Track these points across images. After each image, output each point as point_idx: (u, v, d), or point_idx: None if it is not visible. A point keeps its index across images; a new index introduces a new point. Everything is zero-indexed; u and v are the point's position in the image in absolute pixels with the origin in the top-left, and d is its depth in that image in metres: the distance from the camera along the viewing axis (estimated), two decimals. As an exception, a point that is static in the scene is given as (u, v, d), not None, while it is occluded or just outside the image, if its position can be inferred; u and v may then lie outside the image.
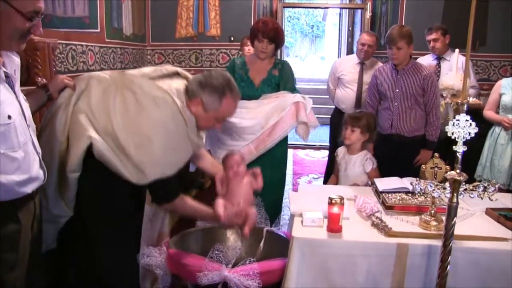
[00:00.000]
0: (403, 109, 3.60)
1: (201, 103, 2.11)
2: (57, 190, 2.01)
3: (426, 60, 4.41)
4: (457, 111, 3.76)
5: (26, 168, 1.59)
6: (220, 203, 2.28)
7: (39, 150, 1.71)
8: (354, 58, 4.55)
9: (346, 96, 4.36)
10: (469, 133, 1.75)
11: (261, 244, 2.51)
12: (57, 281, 2.11)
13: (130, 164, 1.93)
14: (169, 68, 2.26)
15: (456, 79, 3.84)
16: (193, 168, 4.67)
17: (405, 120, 3.61)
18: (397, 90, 3.60)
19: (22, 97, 1.67)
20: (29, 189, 1.61)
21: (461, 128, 1.76)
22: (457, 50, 3.97)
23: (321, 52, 19.41)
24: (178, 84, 2.15)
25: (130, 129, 1.94)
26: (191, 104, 2.11)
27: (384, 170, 3.05)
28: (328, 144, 4.96)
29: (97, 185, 2.02)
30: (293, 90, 3.38)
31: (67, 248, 2.09)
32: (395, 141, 3.63)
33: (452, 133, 1.78)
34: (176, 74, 2.25)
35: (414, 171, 2.84)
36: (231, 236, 2.60)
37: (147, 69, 2.22)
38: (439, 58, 4.41)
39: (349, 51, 4.95)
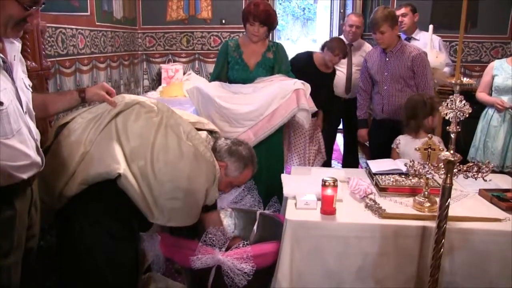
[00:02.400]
0: (392, 93, 3.51)
1: (225, 167, 2.23)
2: (60, 187, 1.97)
3: None
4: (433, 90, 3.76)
5: (21, 155, 1.56)
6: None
7: (37, 136, 1.68)
8: None
9: (337, 79, 4.30)
10: (463, 113, 1.75)
11: (255, 227, 2.52)
12: (55, 271, 2.10)
13: (154, 205, 1.95)
14: (211, 125, 2.38)
15: (431, 56, 3.77)
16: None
17: (395, 103, 3.51)
18: (386, 73, 3.52)
19: (23, 82, 1.64)
20: (25, 175, 1.59)
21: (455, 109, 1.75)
22: (431, 27, 3.89)
23: (312, 34, 19.29)
24: (204, 136, 2.23)
25: (163, 173, 1.95)
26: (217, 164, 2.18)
27: (380, 155, 3.02)
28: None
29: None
30: (288, 72, 3.36)
31: (64, 241, 2.06)
32: (388, 126, 3.53)
33: (446, 114, 1.77)
34: (214, 133, 2.36)
35: None
36: (224, 220, 2.59)
37: (193, 117, 2.31)
38: (409, 39, 4.33)
39: (341, 34, 4.91)
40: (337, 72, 4.24)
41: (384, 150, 3.22)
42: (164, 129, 2.01)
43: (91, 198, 1.95)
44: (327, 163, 4.32)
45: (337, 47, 3.83)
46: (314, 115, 3.86)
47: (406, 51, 3.45)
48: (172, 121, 2.06)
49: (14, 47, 1.62)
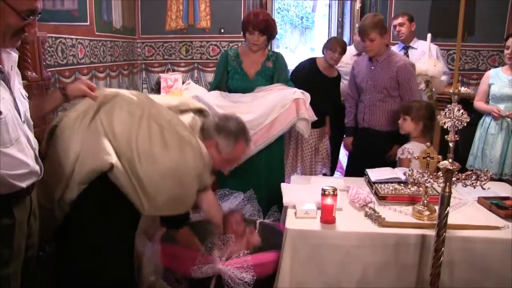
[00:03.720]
0: (373, 102, 3.45)
1: (215, 146, 2.20)
2: (60, 192, 1.98)
3: None
4: (431, 98, 3.77)
5: (20, 163, 1.57)
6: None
7: (36, 145, 1.69)
8: (351, 50, 4.53)
9: (344, 88, 4.30)
10: (461, 122, 1.76)
11: (255, 236, 2.52)
12: (54, 277, 2.10)
13: (144, 196, 1.93)
14: (196, 104, 2.34)
15: (429, 64, 3.76)
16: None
17: (375, 113, 3.45)
18: (369, 82, 3.46)
19: (19, 92, 1.66)
20: (24, 183, 1.59)
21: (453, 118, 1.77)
22: (429, 36, 3.88)
23: (311, 43, 19.35)
24: (189, 119, 2.19)
25: (150, 164, 1.93)
26: (206, 144, 2.15)
27: (360, 164, 3.00)
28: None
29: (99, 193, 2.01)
30: (287, 82, 3.38)
31: (64, 244, 2.07)
32: (368, 135, 3.51)
33: (444, 123, 1.78)
34: (199, 112, 2.32)
35: (390, 166, 2.84)
36: (225, 229, 2.59)
37: (175, 101, 2.27)
38: (407, 48, 4.33)
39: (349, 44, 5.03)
40: (345, 81, 4.27)
41: (364, 158, 3.19)
42: (147, 120, 1.99)
43: (87, 200, 1.96)
44: (331, 171, 4.34)
45: (334, 43, 3.89)
46: (322, 123, 3.88)
47: (392, 61, 3.38)
48: (154, 111, 2.04)
49: (11, 58, 1.63)
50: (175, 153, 1.97)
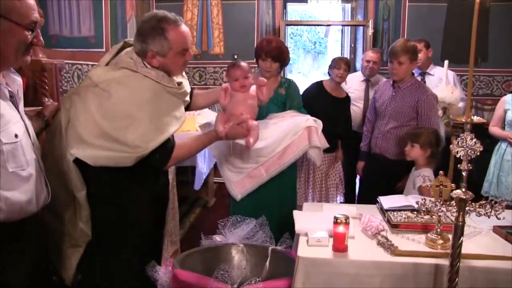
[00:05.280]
0: (389, 129, 3.41)
1: (153, 54, 2.06)
2: (73, 211, 2.01)
3: None
4: (448, 125, 3.75)
5: (34, 187, 1.60)
6: (219, 119, 2.30)
7: (43, 167, 1.72)
8: (359, 76, 4.56)
9: (353, 114, 4.30)
10: (474, 151, 1.75)
11: (267, 264, 2.50)
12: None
13: (127, 147, 1.94)
14: (117, 45, 2.24)
15: (447, 91, 3.71)
16: (198, 187, 4.68)
17: (389, 140, 3.41)
18: (388, 108, 3.42)
19: (25, 116, 1.69)
20: (35, 207, 1.62)
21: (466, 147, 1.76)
22: (446, 63, 3.90)
23: (323, 68, 19.44)
24: (128, 52, 2.13)
25: (111, 119, 1.95)
26: (148, 61, 2.08)
27: (371, 191, 2.97)
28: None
29: (107, 196, 2.06)
30: (300, 108, 3.39)
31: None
32: (378, 162, 3.48)
33: (457, 152, 1.77)
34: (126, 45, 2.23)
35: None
36: (236, 255, 2.58)
37: (105, 57, 2.18)
38: (423, 74, 4.34)
39: (352, 68, 4.99)
40: (354, 107, 4.28)
41: (375, 185, 3.17)
42: (90, 92, 2.01)
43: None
44: (349, 197, 4.30)
45: (338, 61, 3.95)
46: (333, 148, 3.87)
47: (415, 89, 3.34)
48: (85, 81, 2.08)
49: (16, 82, 1.67)
50: (120, 94, 1.97)
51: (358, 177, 4.15)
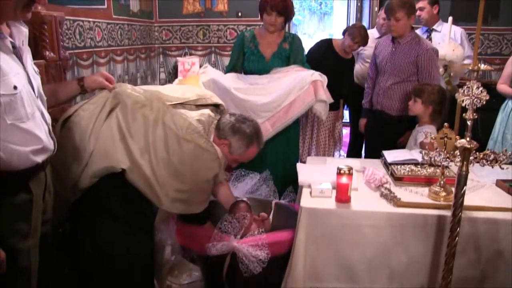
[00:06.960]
0: (389, 85, 3.35)
1: (228, 145, 2.24)
2: (72, 182, 2.00)
3: None
4: (449, 83, 3.69)
5: (36, 139, 1.59)
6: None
7: (49, 120, 1.70)
8: (373, 33, 4.46)
9: (366, 71, 4.26)
10: (480, 100, 1.73)
11: (270, 217, 2.52)
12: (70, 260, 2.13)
13: (161, 191, 1.98)
14: (213, 99, 2.34)
15: (448, 49, 3.65)
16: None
17: (390, 96, 3.36)
18: (388, 64, 3.37)
19: (32, 68, 1.67)
20: (39, 158, 1.61)
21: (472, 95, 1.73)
22: (450, 19, 3.78)
23: (329, 29, 19.18)
24: (205, 117, 2.21)
25: (167, 169, 1.98)
26: (219, 142, 2.21)
27: (372, 146, 2.97)
28: (348, 121, 4.79)
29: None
30: (303, 63, 3.35)
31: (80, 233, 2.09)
32: (380, 118, 3.44)
33: (463, 101, 1.75)
34: (215, 106, 2.35)
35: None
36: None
37: (193, 94, 2.26)
38: (430, 31, 4.25)
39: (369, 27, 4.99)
40: (366, 64, 4.21)
41: (376, 140, 3.15)
42: (162, 127, 2.02)
43: (104, 191, 1.98)
44: (356, 155, 4.29)
45: (358, 35, 3.81)
46: (336, 106, 3.85)
47: (414, 45, 3.27)
48: (168, 116, 2.05)
49: (21, 32, 1.63)
50: (191, 161, 2.02)
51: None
